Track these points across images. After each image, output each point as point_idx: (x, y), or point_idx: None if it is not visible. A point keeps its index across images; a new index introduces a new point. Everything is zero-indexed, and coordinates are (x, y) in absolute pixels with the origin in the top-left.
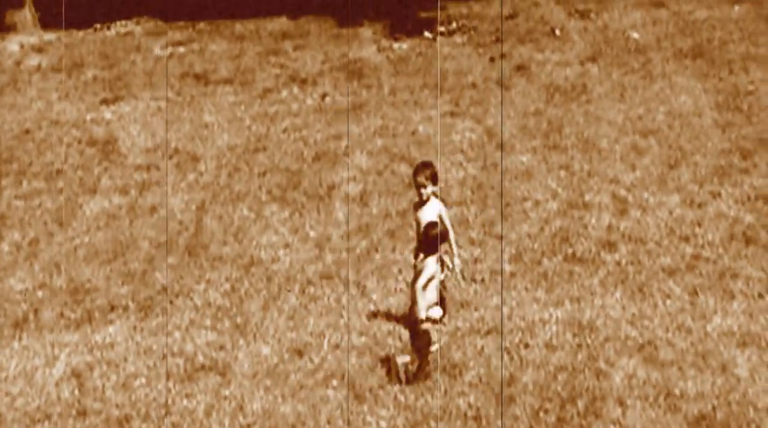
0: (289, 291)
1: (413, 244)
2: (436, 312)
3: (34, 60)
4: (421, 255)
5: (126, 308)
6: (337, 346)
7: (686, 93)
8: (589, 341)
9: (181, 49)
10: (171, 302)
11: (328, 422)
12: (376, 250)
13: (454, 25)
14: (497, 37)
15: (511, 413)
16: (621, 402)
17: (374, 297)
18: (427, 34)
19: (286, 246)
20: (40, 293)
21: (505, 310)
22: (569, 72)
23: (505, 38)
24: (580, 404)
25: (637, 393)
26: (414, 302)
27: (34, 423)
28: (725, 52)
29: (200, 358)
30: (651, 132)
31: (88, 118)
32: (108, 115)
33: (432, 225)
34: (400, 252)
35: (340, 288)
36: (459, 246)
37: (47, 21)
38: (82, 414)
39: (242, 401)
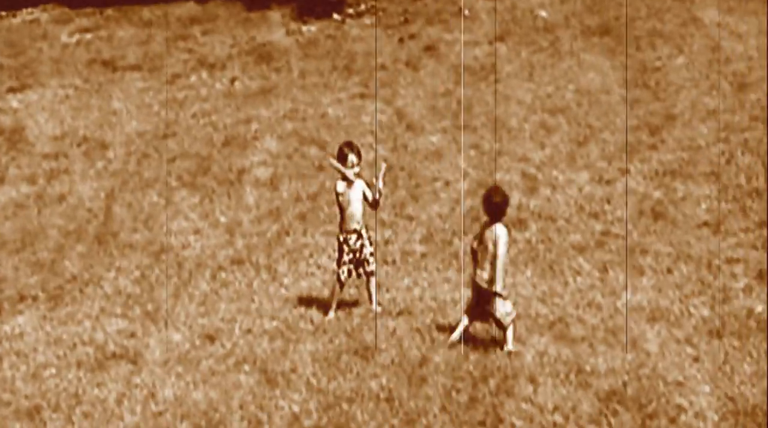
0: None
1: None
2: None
3: None
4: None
5: (35, 298)
6: (248, 331)
7: (594, 70)
8: None
9: (89, 36)
10: (81, 291)
11: (240, 407)
12: (287, 234)
13: (362, 6)
14: (406, 18)
15: (423, 393)
16: (532, 380)
17: (285, 281)
18: (335, 16)
19: (197, 232)
20: None
21: (417, 291)
22: (478, 52)
23: (414, 19)
24: (492, 383)
25: (548, 371)
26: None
27: None
28: (632, 29)
29: (111, 347)
30: (560, 110)
31: None
32: (15, 104)
33: (495, 190)
34: (311, 236)
35: (251, 272)
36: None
37: None
38: None
39: (154, 388)
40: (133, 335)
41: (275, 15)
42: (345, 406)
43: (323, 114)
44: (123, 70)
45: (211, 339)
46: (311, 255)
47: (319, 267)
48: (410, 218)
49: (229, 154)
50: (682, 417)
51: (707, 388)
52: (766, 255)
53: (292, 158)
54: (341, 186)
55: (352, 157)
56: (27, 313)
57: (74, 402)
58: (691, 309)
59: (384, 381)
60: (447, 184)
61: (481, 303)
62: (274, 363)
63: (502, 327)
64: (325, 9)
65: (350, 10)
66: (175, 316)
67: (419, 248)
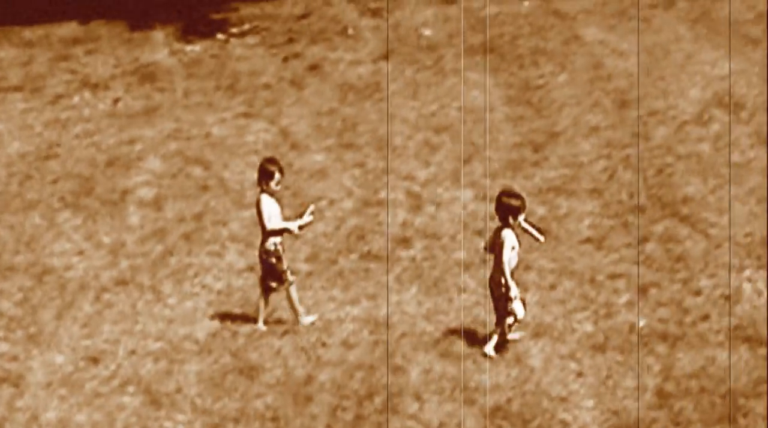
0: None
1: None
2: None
3: None
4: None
5: None
6: (132, 352)
7: (478, 88)
8: (385, 338)
9: None
10: None
11: None
12: (171, 254)
13: (246, 26)
14: (290, 37)
15: (309, 412)
16: (418, 397)
17: (170, 301)
18: (219, 35)
19: (80, 253)
20: None
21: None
22: (362, 70)
23: (298, 38)
24: (378, 400)
25: (433, 388)
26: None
27: None
28: (515, 47)
29: None
30: (444, 128)
31: None
32: None
33: (507, 193)
34: (196, 256)
35: (135, 293)
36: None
37: None
38: None
39: (37, 411)
40: (15, 358)
41: (158, 35)
42: (230, 426)
43: (207, 133)
44: (4, 91)
45: (95, 360)
46: (196, 276)
47: (203, 287)
48: (295, 237)
49: (113, 175)
50: None
51: (591, 403)
52: (647, 270)
53: (177, 178)
54: (269, 202)
55: (278, 175)
56: None
57: None
58: (575, 325)
59: (269, 400)
60: (332, 202)
61: (497, 306)
62: (159, 384)
63: (501, 326)
64: (208, 28)
65: (234, 30)
66: (58, 338)
67: (304, 267)
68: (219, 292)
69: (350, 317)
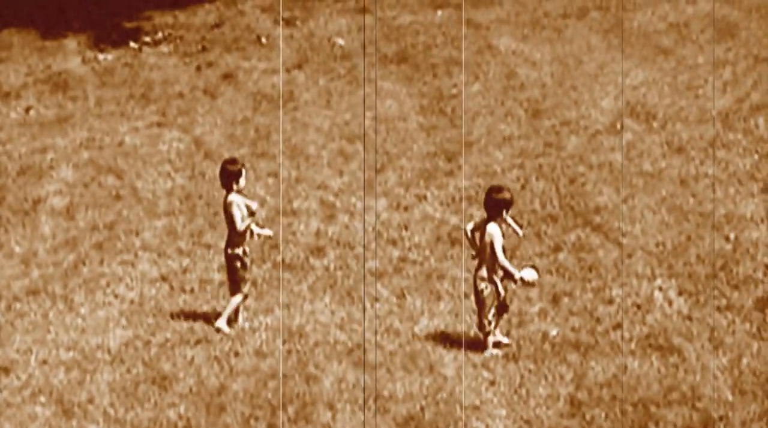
0: None
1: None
2: (531, 274)
3: None
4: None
5: None
6: (44, 362)
7: (392, 98)
8: (299, 347)
9: None
10: None
11: None
12: (84, 263)
13: (159, 34)
14: (203, 46)
15: (222, 422)
16: (331, 406)
17: (82, 311)
18: (132, 44)
19: None
20: None
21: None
22: (276, 79)
23: (212, 47)
24: (291, 410)
25: (346, 397)
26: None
27: None
28: (429, 56)
29: None
30: (357, 137)
31: None
32: None
33: (497, 187)
34: (108, 265)
35: (47, 303)
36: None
37: None
38: None
39: None
40: None
41: (71, 43)
42: None
43: (120, 142)
44: None
45: (6, 371)
46: (108, 285)
47: (116, 296)
48: (208, 246)
49: (25, 184)
50: None
51: (503, 412)
52: (559, 279)
53: (89, 187)
54: (240, 200)
55: (244, 172)
56: None
57: None
58: None
59: (182, 410)
60: None
61: (479, 302)
62: (71, 394)
63: (482, 330)
64: (121, 37)
65: (147, 38)
66: None
67: (217, 276)
68: (131, 302)
69: (263, 326)
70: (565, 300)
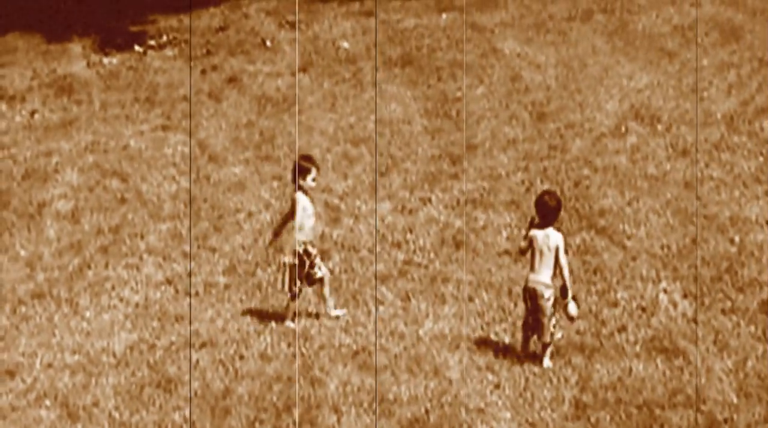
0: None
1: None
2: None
3: None
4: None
5: None
6: (49, 365)
7: (396, 101)
8: (303, 350)
9: None
10: None
11: None
12: (89, 267)
13: (164, 38)
14: (208, 50)
15: (227, 425)
16: (336, 410)
17: (87, 314)
18: (137, 47)
19: None
20: None
21: (220, 323)
22: (281, 83)
23: (216, 50)
24: (296, 413)
25: (351, 400)
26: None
27: None
28: (433, 59)
29: None
30: (362, 140)
31: None
32: None
33: (550, 193)
34: (113, 269)
35: (52, 306)
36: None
37: None
38: None
39: None
40: None
41: (76, 47)
42: None
43: (125, 146)
44: None
45: (11, 374)
46: (113, 288)
47: (121, 299)
48: (213, 250)
49: (30, 187)
50: None
51: (508, 414)
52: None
53: (94, 191)
54: (305, 200)
55: (314, 171)
56: None
57: None
58: (492, 337)
59: (187, 413)
60: (250, 214)
61: (533, 311)
62: (76, 398)
63: (545, 339)
64: (126, 41)
65: (152, 42)
66: None
67: (222, 279)
68: (136, 305)
69: (268, 329)
70: None
